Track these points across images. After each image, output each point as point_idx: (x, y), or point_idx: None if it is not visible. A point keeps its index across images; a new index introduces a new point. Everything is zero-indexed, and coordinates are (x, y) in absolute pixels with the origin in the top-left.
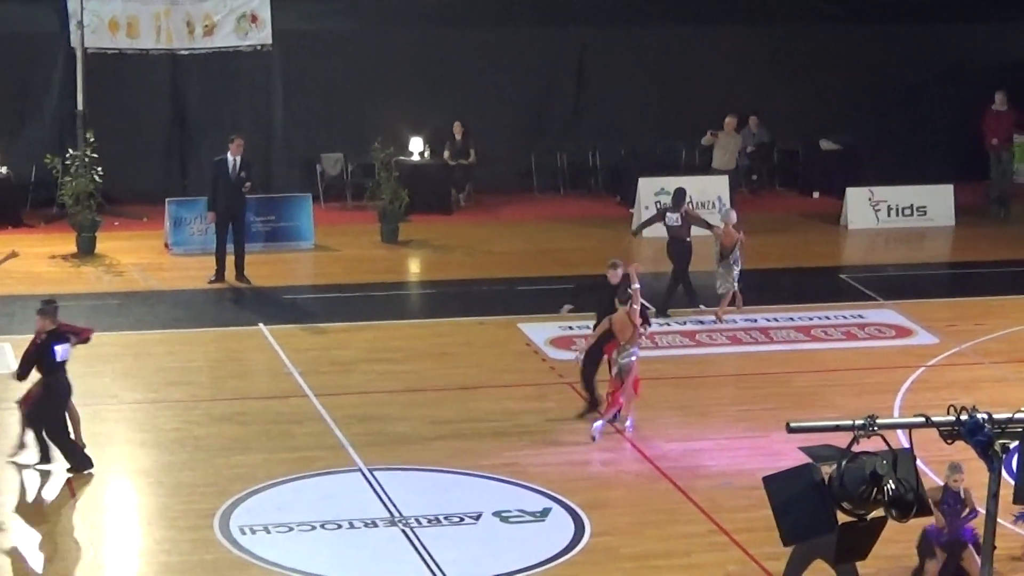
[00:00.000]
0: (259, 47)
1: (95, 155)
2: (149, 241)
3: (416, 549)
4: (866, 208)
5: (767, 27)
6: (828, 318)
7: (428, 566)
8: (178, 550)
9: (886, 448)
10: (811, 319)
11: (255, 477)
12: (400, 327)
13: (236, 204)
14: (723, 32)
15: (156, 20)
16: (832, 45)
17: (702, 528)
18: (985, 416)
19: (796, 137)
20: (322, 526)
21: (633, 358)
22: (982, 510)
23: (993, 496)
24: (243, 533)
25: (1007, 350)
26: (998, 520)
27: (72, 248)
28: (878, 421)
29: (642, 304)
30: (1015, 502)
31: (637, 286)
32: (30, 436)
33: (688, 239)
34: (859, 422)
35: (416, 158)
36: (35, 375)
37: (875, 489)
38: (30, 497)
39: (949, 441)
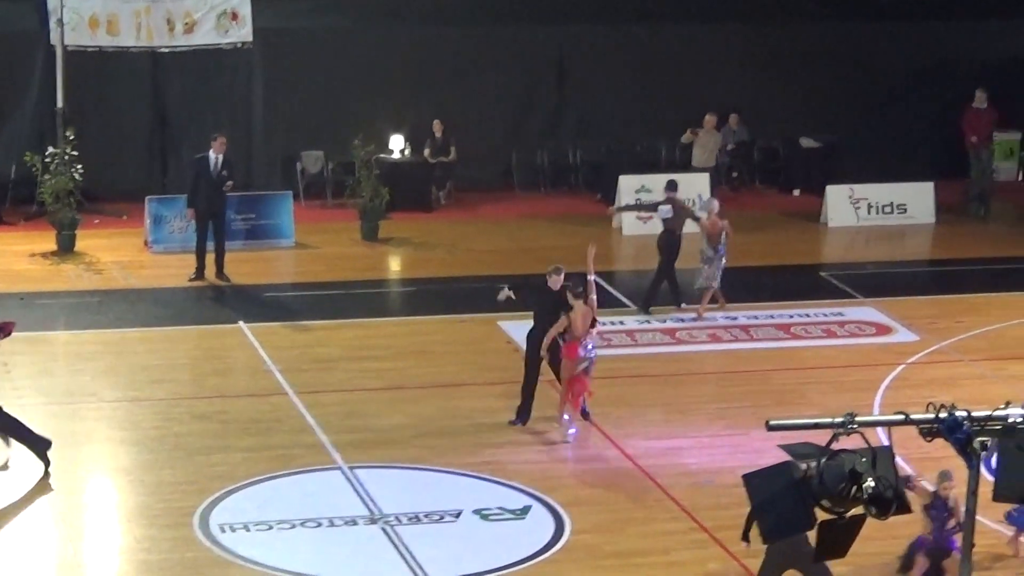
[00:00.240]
0: (239, 45)
1: (75, 153)
2: (129, 239)
3: (396, 547)
4: (846, 206)
5: (748, 25)
6: (808, 316)
7: (408, 564)
8: (158, 548)
9: (866, 446)
10: (791, 317)
11: (235, 475)
12: (381, 325)
13: (217, 202)
14: (704, 30)
15: (136, 18)
16: (812, 43)
17: (682, 526)
18: (964, 414)
19: (776, 135)
20: (302, 524)
21: (592, 355)
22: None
23: (972, 493)
24: (223, 531)
25: (987, 348)
26: (979, 519)
27: (52, 246)
28: (858, 419)
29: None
30: (995, 499)
31: (593, 277)
32: None
33: (679, 233)
34: (839, 420)
35: (396, 156)
36: None
37: (854, 487)
38: (8, 495)
39: (928, 439)
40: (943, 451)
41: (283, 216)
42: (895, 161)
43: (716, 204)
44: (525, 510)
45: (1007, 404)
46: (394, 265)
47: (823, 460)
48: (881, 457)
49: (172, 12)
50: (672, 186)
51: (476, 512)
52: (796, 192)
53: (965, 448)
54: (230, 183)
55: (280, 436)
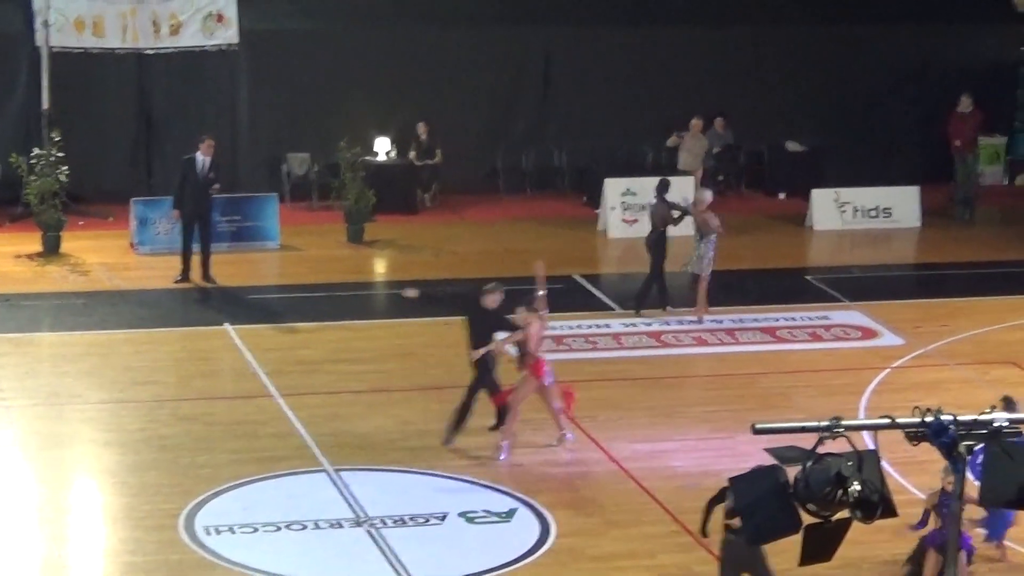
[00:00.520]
0: (225, 46)
1: (61, 154)
2: (115, 240)
3: (381, 550)
4: (832, 209)
5: (733, 29)
6: (794, 319)
7: (393, 567)
8: (143, 550)
9: (851, 449)
10: (777, 320)
11: (220, 477)
12: (366, 327)
13: (203, 204)
14: (689, 34)
15: (122, 19)
16: (798, 47)
17: (667, 529)
18: (950, 418)
19: (762, 138)
20: (287, 527)
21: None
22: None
23: (957, 498)
24: (208, 533)
25: (972, 351)
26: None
27: (37, 247)
28: (843, 422)
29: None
30: (981, 504)
31: (543, 292)
32: None
33: (663, 229)
34: (824, 423)
35: (382, 158)
36: None
37: (840, 491)
38: None
39: (914, 443)
40: (929, 455)
41: (268, 218)
42: (880, 165)
43: (708, 195)
44: (510, 513)
45: (993, 408)
46: (379, 267)
47: (809, 464)
48: (867, 461)
49: (158, 14)
50: (663, 185)
51: (461, 515)
52: (781, 196)
53: (951, 452)
54: (217, 185)
55: (265, 438)
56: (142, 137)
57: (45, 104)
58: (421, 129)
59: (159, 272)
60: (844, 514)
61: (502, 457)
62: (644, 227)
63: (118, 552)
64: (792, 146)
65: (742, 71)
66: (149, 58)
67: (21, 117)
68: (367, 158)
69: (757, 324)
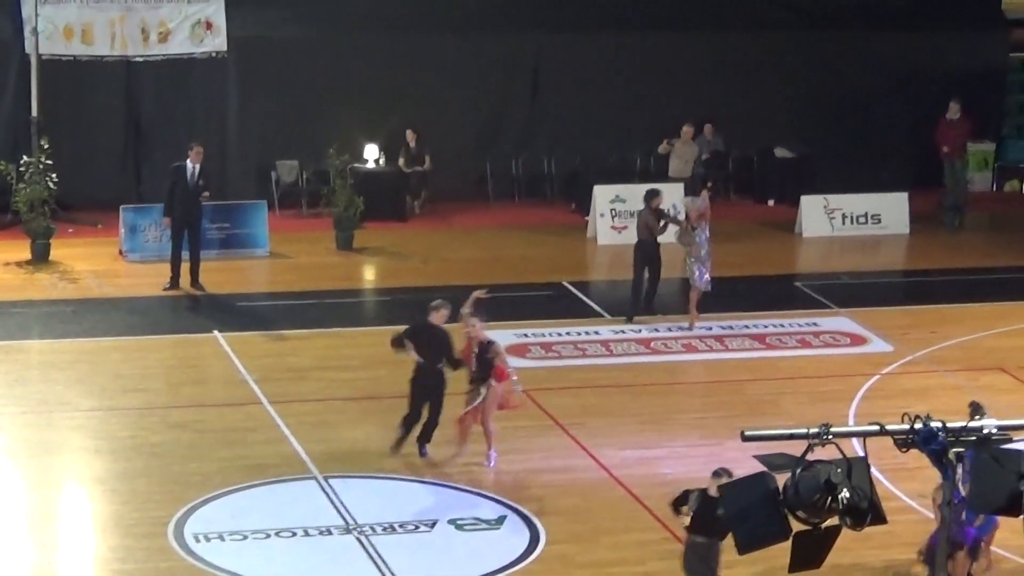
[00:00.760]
0: (214, 54)
1: (49, 162)
2: (104, 248)
3: (371, 557)
4: (821, 216)
5: (722, 35)
6: (783, 326)
7: (383, 574)
8: (132, 558)
9: (840, 456)
10: (766, 327)
11: (210, 485)
12: (355, 334)
13: (192, 211)
14: (678, 40)
15: (111, 27)
16: (787, 53)
17: (656, 536)
18: (939, 424)
19: (751, 145)
20: (277, 534)
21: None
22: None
23: (947, 504)
24: (197, 541)
25: (961, 358)
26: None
27: (26, 255)
28: (832, 429)
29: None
30: (969, 510)
31: (468, 311)
32: None
33: (644, 237)
34: (813, 430)
35: (371, 165)
36: None
37: (829, 498)
38: None
39: (903, 449)
40: (918, 462)
41: (258, 225)
42: (869, 171)
43: (699, 202)
44: (500, 520)
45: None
46: (368, 274)
47: (798, 471)
48: (856, 468)
49: (147, 21)
50: (651, 194)
51: (451, 522)
52: (771, 202)
53: (940, 459)
54: (206, 193)
55: (255, 446)
56: (131, 144)
57: (34, 112)
58: (410, 136)
59: (148, 279)
60: (833, 521)
61: (491, 464)
62: (633, 234)
63: (108, 560)
64: (781, 152)
65: (731, 77)
66: (138, 65)
67: (10, 125)
68: (356, 165)
69: (747, 331)
